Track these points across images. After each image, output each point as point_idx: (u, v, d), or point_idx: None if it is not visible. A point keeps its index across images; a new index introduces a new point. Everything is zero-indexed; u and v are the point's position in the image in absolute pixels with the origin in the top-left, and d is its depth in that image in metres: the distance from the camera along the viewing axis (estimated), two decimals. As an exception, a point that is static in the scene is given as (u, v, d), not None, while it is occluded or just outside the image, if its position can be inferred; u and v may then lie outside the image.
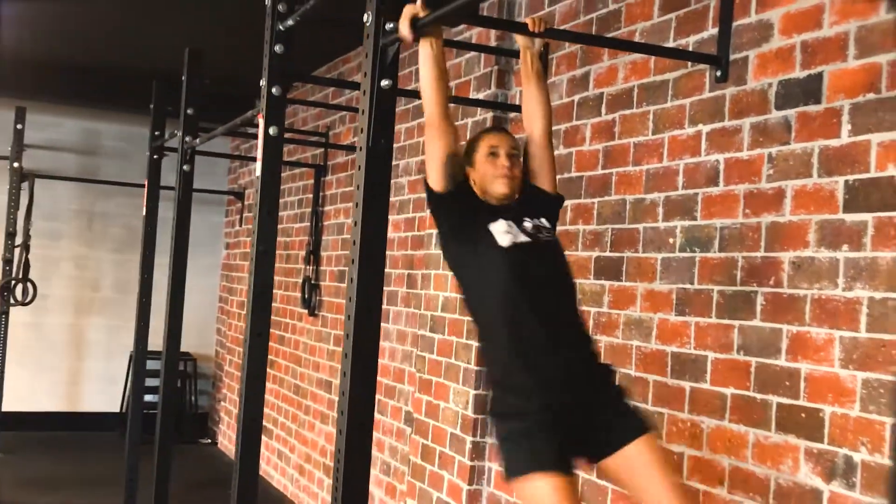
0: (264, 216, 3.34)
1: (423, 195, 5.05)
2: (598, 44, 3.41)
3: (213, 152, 6.50)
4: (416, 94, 2.97)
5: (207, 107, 5.06)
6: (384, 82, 2.43)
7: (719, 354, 2.79)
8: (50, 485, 6.26)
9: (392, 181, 5.07)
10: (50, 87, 7.15)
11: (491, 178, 2.64)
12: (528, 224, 2.63)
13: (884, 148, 2.33)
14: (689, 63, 2.99)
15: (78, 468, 6.79)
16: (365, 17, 2.46)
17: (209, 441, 8.19)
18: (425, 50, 2.49)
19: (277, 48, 3.31)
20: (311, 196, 6.32)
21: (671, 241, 3.02)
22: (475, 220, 2.60)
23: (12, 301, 7.23)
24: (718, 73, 2.83)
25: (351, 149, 5.66)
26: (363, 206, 2.42)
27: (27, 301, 7.23)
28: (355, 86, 2.87)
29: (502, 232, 2.56)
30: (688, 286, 2.94)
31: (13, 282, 7.20)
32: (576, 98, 3.56)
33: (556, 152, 3.60)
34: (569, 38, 3.57)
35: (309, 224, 6.26)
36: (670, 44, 3.09)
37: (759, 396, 2.64)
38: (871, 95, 2.37)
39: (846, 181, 2.42)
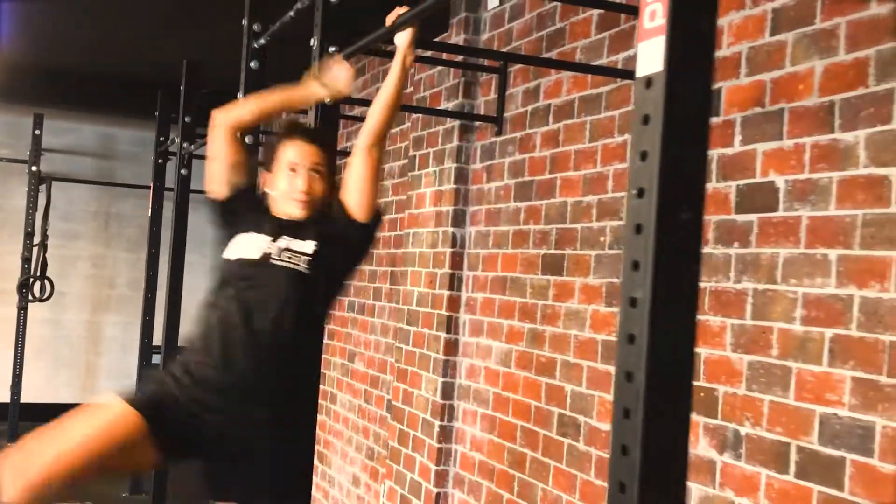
0: (241, 217, 3.68)
1: (403, 198, 5.38)
2: (532, 63, 3.72)
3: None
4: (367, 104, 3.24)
5: (207, 114, 5.42)
6: (328, 99, 2.75)
7: (639, 341, 3.08)
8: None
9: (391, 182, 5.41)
10: (67, 94, 7.54)
11: (286, 196, 2.60)
12: (281, 243, 2.55)
13: (766, 156, 2.62)
14: (619, 78, 3.29)
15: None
16: (312, 41, 2.79)
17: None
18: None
19: (253, 64, 3.65)
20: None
21: (602, 239, 3.33)
22: (234, 228, 2.62)
23: (31, 298, 7.63)
24: (646, 85, 3.12)
25: (343, 153, 5.98)
26: (309, 207, 2.75)
27: (45, 298, 7.63)
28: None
29: (241, 243, 2.56)
30: (615, 280, 3.24)
31: (31, 279, 7.60)
32: (529, 108, 3.87)
33: (512, 158, 3.94)
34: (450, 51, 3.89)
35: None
36: (604, 60, 3.40)
37: (668, 378, 2.93)
38: (757, 109, 2.67)
39: (737, 185, 2.72)
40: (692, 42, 1.24)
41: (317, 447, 6.12)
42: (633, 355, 1.23)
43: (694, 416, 2.80)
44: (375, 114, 2.60)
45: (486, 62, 4.16)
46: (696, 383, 2.80)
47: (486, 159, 4.16)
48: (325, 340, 6.12)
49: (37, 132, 7.79)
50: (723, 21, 2.83)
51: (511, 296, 3.87)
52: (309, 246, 2.52)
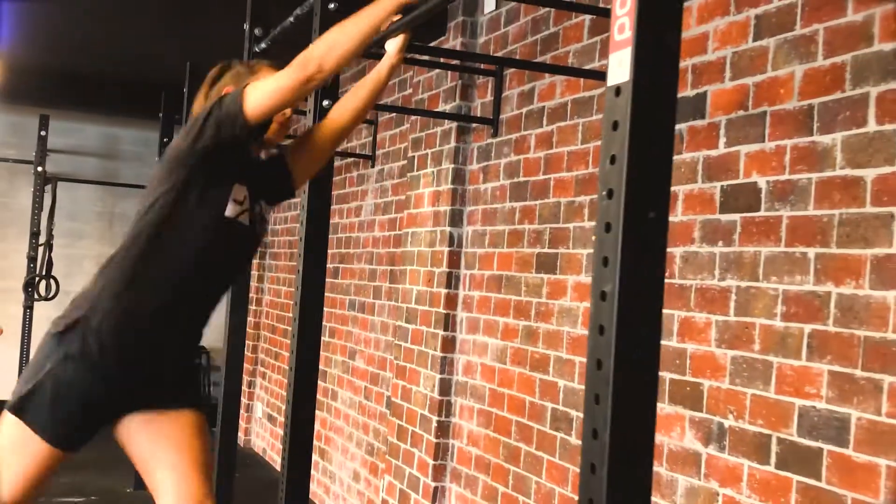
0: (242, 216, 3.77)
1: (402, 198, 5.47)
2: (523, 67, 3.80)
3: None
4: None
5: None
6: (325, 102, 2.84)
7: (628, 338, 3.17)
8: (68, 467, 6.66)
9: (378, 185, 5.51)
10: (72, 96, 7.64)
11: (281, 127, 2.59)
12: (258, 207, 2.56)
13: (749, 158, 2.71)
14: (600, 84, 3.37)
15: (94, 452, 7.19)
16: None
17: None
18: (386, 12, 2.37)
19: (254, 67, 3.73)
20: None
21: (594, 238, 3.41)
22: (228, 171, 2.46)
23: (36, 297, 7.73)
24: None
25: (344, 154, 6.08)
26: (308, 202, 2.84)
27: (50, 297, 7.72)
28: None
29: (235, 200, 2.46)
30: (605, 278, 3.33)
31: (37, 278, 7.70)
32: (523, 111, 3.96)
33: (508, 159, 4.03)
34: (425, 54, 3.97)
35: (308, 224, 6.70)
36: (596, 64, 3.49)
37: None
38: (741, 112, 2.75)
39: (721, 186, 2.81)
40: (658, 54, 1.33)
41: (317, 443, 6.21)
42: (603, 345, 1.32)
43: (680, 410, 2.89)
44: (360, 103, 2.64)
45: (482, 65, 4.25)
46: (682, 378, 2.89)
47: (482, 160, 4.25)
48: (326, 338, 6.22)
49: (42, 133, 7.89)
50: (708, 26, 2.92)
51: (507, 294, 3.95)
52: (265, 208, 2.61)
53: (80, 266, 8.60)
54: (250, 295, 8.00)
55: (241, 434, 7.91)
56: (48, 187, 7.93)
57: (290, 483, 2.87)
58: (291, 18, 3.23)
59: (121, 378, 2.47)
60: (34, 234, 7.84)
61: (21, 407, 2.42)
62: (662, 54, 1.33)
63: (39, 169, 7.89)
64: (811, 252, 2.47)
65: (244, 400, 7.96)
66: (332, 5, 2.82)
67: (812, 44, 2.53)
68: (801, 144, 2.52)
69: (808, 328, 2.46)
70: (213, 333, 8.31)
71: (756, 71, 2.71)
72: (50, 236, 7.79)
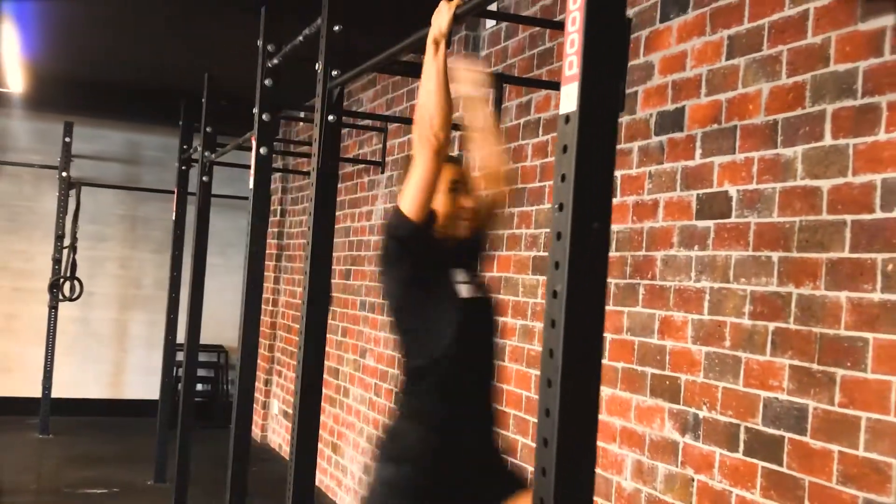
0: (256, 222, 4.01)
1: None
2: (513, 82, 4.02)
3: (235, 163, 7.17)
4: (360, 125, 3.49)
5: (229, 122, 5.80)
6: (330, 117, 3.07)
7: (614, 335, 3.39)
8: (92, 461, 7.01)
9: (387, 190, 5.74)
10: (95, 103, 7.92)
11: (453, 219, 2.56)
12: (475, 277, 2.61)
13: (722, 168, 2.92)
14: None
15: (117, 447, 7.53)
16: (317, 65, 3.11)
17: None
18: (438, 58, 2.35)
19: (267, 82, 3.97)
20: (324, 202, 7.00)
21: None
22: (435, 262, 2.50)
23: (61, 297, 7.99)
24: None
25: (356, 161, 6.32)
26: (314, 212, 3.07)
27: (74, 297, 7.98)
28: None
29: (461, 282, 2.51)
30: (595, 280, 3.54)
31: (62, 279, 7.97)
32: (521, 121, 4.18)
33: (507, 167, 4.24)
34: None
35: (322, 227, 6.93)
36: (587, 78, 3.70)
37: (639, 368, 3.24)
38: (715, 126, 2.97)
39: (697, 194, 3.02)
40: (600, 88, 1.55)
41: (330, 439, 6.45)
42: (554, 337, 1.54)
43: (660, 402, 3.11)
44: (486, 146, 2.78)
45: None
46: (662, 372, 3.11)
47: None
48: (339, 338, 6.45)
49: (67, 139, 8.15)
50: (686, 45, 3.13)
51: (505, 294, 4.17)
52: (479, 275, 2.67)
53: (102, 268, 8.87)
54: (266, 296, 8.26)
55: (258, 430, 8.17)
56: (72, 191, 8.19)
57: (298, 471, 3.10)
58: (301, 37, 3.46)
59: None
60: (59, 237, 8.10)
61: None
62: (604, 87, 1.55)
63: (64, 174, 8.15)
64: (775, 256, 2.68)
65: (261, 397, 8.22)
66: (336, 27, 3.06)
67: (777, 63, 2.74)
68: (767, 156, 2.73)
69: (772, 326, 2.67)
70: (229, 332, 8.55)
71: (728, 88, 2.93)
72: (74, 239, 8.04)
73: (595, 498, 3.20)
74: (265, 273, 8.43)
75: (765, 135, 2.75)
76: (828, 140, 2.54)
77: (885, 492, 2.29)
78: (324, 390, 6.69)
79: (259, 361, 8.54)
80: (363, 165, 6.24)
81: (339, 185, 6.78)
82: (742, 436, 2.75)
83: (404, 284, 2.47)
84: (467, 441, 2.49)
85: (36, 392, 8.05)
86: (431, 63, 2.35)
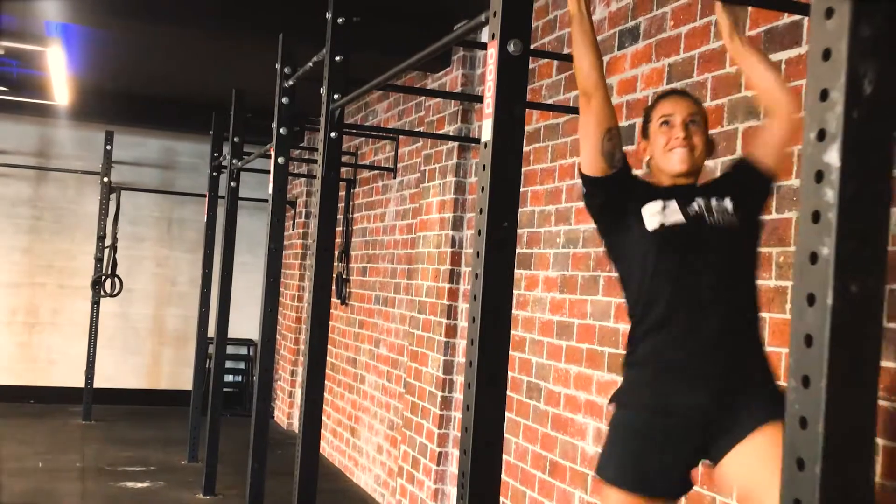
0: (275, 223, 4.58)
1: (416, 205, 6.25)
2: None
3: (261, 169, 7.71)
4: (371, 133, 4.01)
5: (255, 132, 6.38)
6: (333, 134, 3.61)
7: (580, 321, 3.91)
8: (131, 443, 7.62)
9: (398, 194, 6.28)
10: (134, 114, 8.54)
11: (663, 152, 2.44)
12: (697, 204, 2.40)
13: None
14: (566, 113, 4.12)
15: (154, 432, 8.14)
16: (322, 89, 3.66)
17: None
18: (581, 11, 2.35)
19: (284, 100, 4.53)
20: (343, 205, 7.57)
21: (557, 240, 4.16)
22: (628, 206, 2.42)
23: (103, 293, 8.62)
24: (584, 120, 3.95)
25: (371, 167, 6.88)
26: (319, 211, 3.62)
27: (115, 293, 8.61)
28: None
29: (654, 213, 2.39)
30: (565, 273, 4.07)
31: (103, 277, 8.60)
32: (509, 133, 4.71)
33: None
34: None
35: (342, 228, 7.50)
36: (561, 97, 4.23)
37: (599, 348, 3.76)
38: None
39: (644, 199, 3.53)
40: (509, 122, 2.08)
41: (348, 423, 7.01)
42: (475, 307, 2.07)
43: (615, 377, 3.63)
44: (770, 73, 2.44)
45: (479, 91, 5.01)
46: (616, 351, 3.63)
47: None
48: (356, 329, 7.02)
49: (108, 147, 8.78)
50: (637, 71, 3.65)
51: (495, 287, 4.70)
52: (725, 201, 2.41)
53: (140, 266, 9.49)
54: (293, 293, 8.84)
55: (284, 418, 8.75)
56: (113, 195, 8.80)
57: (305, 439, 3.64)
58: (310, 64, 4.01)
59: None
60: (100, 238, 8.73)
61: (599, 466, 2.50)
62: (512, 122, 2.08)
63: (105, 179, 8.78)
64: (700, 250, 3.19)
65: (287, 387, 8.80)
66: (338, 58, 3.60)
67: (704, 88, 3.25)
68: (695, 167, 3.24)
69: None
70: (249, 326, 9.03)
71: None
72: (114, 239, 8.65)
73: (564, 462, 3.74)
74: (293, 271, 9.04)
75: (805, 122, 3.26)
76: (738, 153, 3.05)
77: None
78: (342, 378, 7.27)
79: (286, 353, 9.14)
80: (378, 171, 6.80)
81: (357, 190, 7.35)
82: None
83: (602, 235, 2.52)
84: (683, 396, 2.34)
85: (79, 382, 8.67)
86: (575, 14, 2.35)
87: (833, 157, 1.09)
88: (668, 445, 2.34)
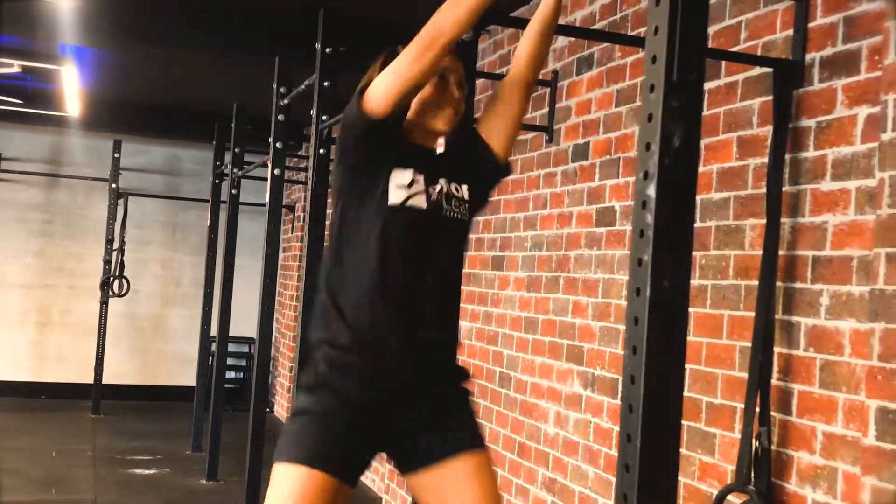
0: (271, 228, 5.04)
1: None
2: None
3: (260, 177, 8.12)
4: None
5: (254, 142, 6.85)
6: (321, 150, 4.06)
7: (544, 316, 4.37)
8: (138, 435, 8.09)
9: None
10: (141, 124, 9.00)
11: (434, 107, 2.34)
12: (439, 186, 2.32)
13: (611, 188, 3.89)
14: (532, 131, 4.57)
15: (160, 425, 8.61)
16: (311, 111, 4.11)
17: (268, 410, 9.94)
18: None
19: (280, 117, 4.99)
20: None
21: (525, 244, 4.62)
22: (381, 162, 2.27)
23: (111, 294, 9.08)
24: (547, 138, 4.41)
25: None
26: (309, 219, 4.08)
27: (122, 294, 9.06)
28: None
29: (401, 185, 2.26)
30: (532, 273, 4.53)
31: (111, 278, 9.06)
32: (485, 146, 5.17)
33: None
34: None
35: (337, 232, 7.95)
36: (530, 115, 4.69)
37: (559, 341, 4.22)
38: (608, 156, 3.94)
39: (596, 208, 3.99)
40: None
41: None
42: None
43: (572, 366, 4.08)
44: (532, 43, 2.38)
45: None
46: (573, 343, 4.08)
47: (458, 183, 5.46)
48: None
49: (116, 155, 9.25)
50: (591, 95, 4.11)
51: (473, 286, 5.16)
52: (464, 190, 2.37)
53: (146, 268, 9.95)
54: (292, 293, 9.30)
55: (283, 412, 9.21)
56: (120, 201, 9.23)
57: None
58: (302, 86, 4.47)
59: (344, 402, 2.27)
60: (109, 241, 9.17)
61: (279, 452, 2.31)
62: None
63: (113, 185, 9.24)
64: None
65: (286, 383, 9.26)
66: (325, 83, 4.06)
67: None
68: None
69: (638, 305, 3.64)
70: (250, 325, 9.49)
71: (616, 128, 3.90)
72: (122, 242, 9.10)
73: (529, 443, 4.19)
74: (292, 272, 9.50)
75: (635, 164, 3.72)
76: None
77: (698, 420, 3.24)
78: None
79: (285, 351, 9.60)
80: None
81: (351, 196, 7.81)
82: (619, 387, 3.71)
83: (343, 183, 2.31)
84: (388, 389, 2.28)
85: (88, 378, 9.13)
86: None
87: (652, 191, 1.55)
88: (356, 432, 2.28)
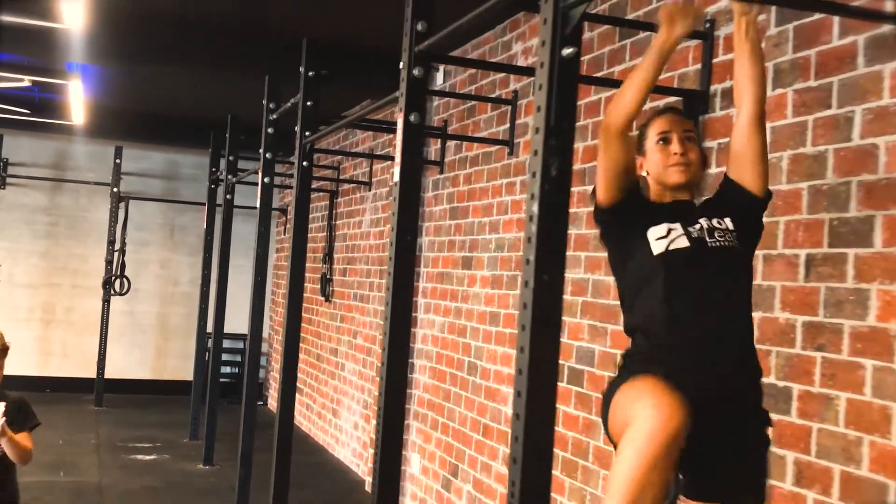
0: (262, 231, 5.54)
1: (388, 214, 7.20)
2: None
3: (253, 182, 8.63)
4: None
5: (248, 149, 7.34)
6: (304, 163, 4.56)
7: (505, 310, 4.87)
8: (139, 425, 8.58)
9: (373, 205, 7.24)
10: (141, 131, 9.47)
11: (662, 168, 2.50)
12: (699, 225, 2.45)
13: (579, 196, 4.38)
14: (495, 145, 5.07)
15: (159, 417, 9.09)
16: (296, 127, 4.61)
17: (262, 403, 10.43)
18: (668, 42, 2.33)
19: (269, 130, 5.48)
20: (327, 213, 8.54)
21: (490, 246, 5.12)
22: (634, 229, 2.46)
23: (112, 292, 9.57)
24: (509, 151, 4.91)
25: (352, 182, 7.83)
26: (294, 225, 4.58)
27: (123, 292, 9.56)
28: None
29: (658, 237, 2.43)
30: (495, 272, 5.03)
31: (113, 278, 9.55)
32: (457, 157, 5.67)
33: (448, 190, 5.74)
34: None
35: (326, 234, 8.47)
36: (493, 129, 5.18)
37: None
38: (577, 166, 4.43)
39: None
40: (411, 167, 3.03)
41: (331, 405, 7.98)
42: (389, 296, 3.03)
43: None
44: (753, 84, 2.47)
45: (435, 122, 5.97)
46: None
47: (433, 190, 5.97)
48: (338, 323, 7.98)
49: (117, 160, 9.75)
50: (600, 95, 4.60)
51: (446, 284, 5.66)
52: (727, 222, 2.48)
53: (146, 268, 10.43)
54: (284, 291, 9.77)
55: (276, 405, 9.69)
56: (121, 204, 9.74)
57: (283, 404, 4.59)
58: (289, 104, 4.97)
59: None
60: (110, 242, 9.67)
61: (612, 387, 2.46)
62: (414, 168, 3.04)
63: (115, 189, 9.74)
64: (582, 255, 4.16)
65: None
66: (309, 103, 4.56)
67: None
68: (581, 191, 4.21)
69: (580, 300, 4.14)
70: (245, 322, 9.94)
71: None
72: (123, 244, 9.59)
73: (492, 424, 4.69)
74: (285, 272, 9.97)
75: (582, 176, 4.23)
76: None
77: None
78: (326, 366, 8.23)
79: (278, 346, 10.08)
80: (356, 184, 7.76)
81: (339, 200, 8.33)
82: (566, 371, 4.22)
83: (611, 257, 2.56)
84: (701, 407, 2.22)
85: (91, 373, 9.63)
86: (661, 45, 2.33)
87: (536, 208, 2.05)
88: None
